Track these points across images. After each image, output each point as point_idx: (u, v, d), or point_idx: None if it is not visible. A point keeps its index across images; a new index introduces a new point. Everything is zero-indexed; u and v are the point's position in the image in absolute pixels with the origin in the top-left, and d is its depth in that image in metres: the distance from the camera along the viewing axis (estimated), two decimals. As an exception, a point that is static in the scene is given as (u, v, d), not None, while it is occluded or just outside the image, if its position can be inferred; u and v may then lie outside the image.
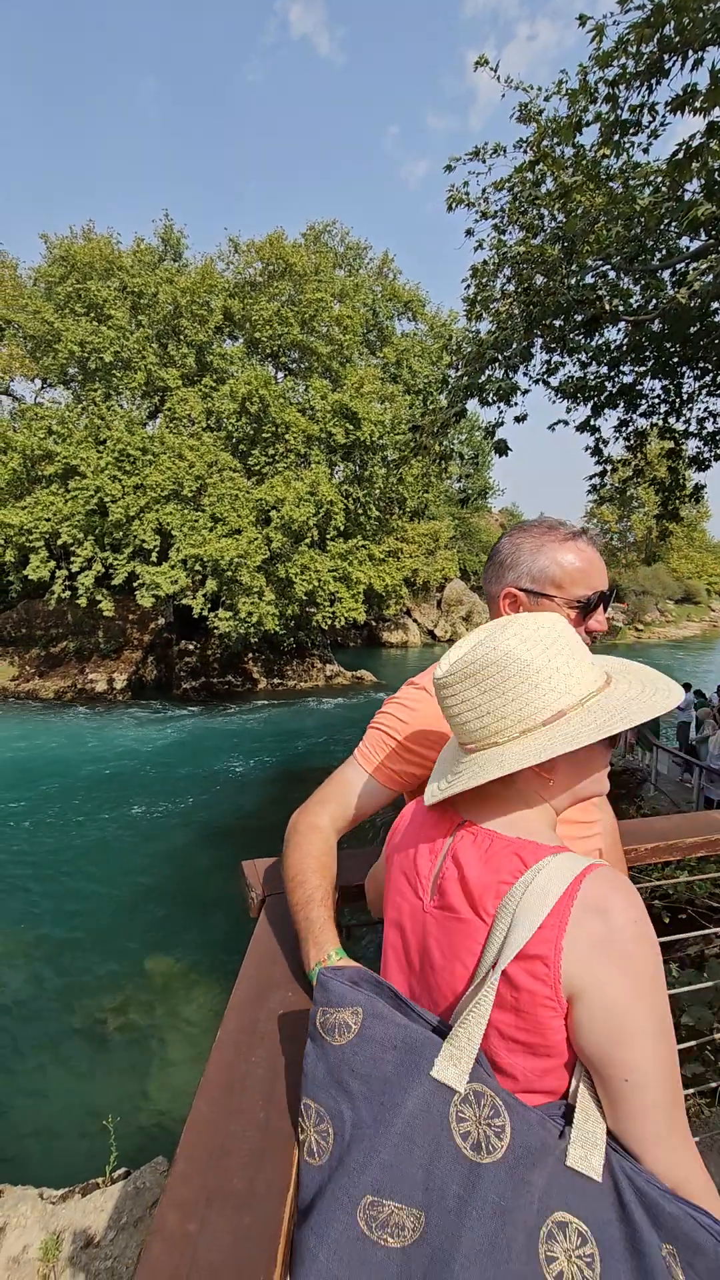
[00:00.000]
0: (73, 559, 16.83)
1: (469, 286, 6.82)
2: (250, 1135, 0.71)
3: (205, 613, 17.13)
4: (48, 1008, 5.74)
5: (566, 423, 8.03)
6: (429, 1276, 0.60)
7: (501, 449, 6.79)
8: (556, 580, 1.03)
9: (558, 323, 6.43)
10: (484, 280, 6.73)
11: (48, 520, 16.50)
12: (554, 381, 7.58)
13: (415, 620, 34.54)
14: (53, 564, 16.92)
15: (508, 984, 0.68)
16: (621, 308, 6.14)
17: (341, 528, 18.48)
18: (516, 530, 1.11)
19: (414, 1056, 0.68)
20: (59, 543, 16.79)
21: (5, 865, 8.19)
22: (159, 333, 18.77)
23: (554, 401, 7.90)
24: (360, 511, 19.54)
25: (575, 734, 0.77)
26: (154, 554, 16.73)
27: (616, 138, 4.90)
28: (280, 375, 21.03)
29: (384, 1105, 0.67)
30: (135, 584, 16.81)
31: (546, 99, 5.71)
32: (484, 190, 6.56)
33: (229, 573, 16.12)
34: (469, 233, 6.77)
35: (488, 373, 6.63)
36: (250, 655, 20.97)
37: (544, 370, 7.47)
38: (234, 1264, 0.57)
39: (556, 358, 7.32)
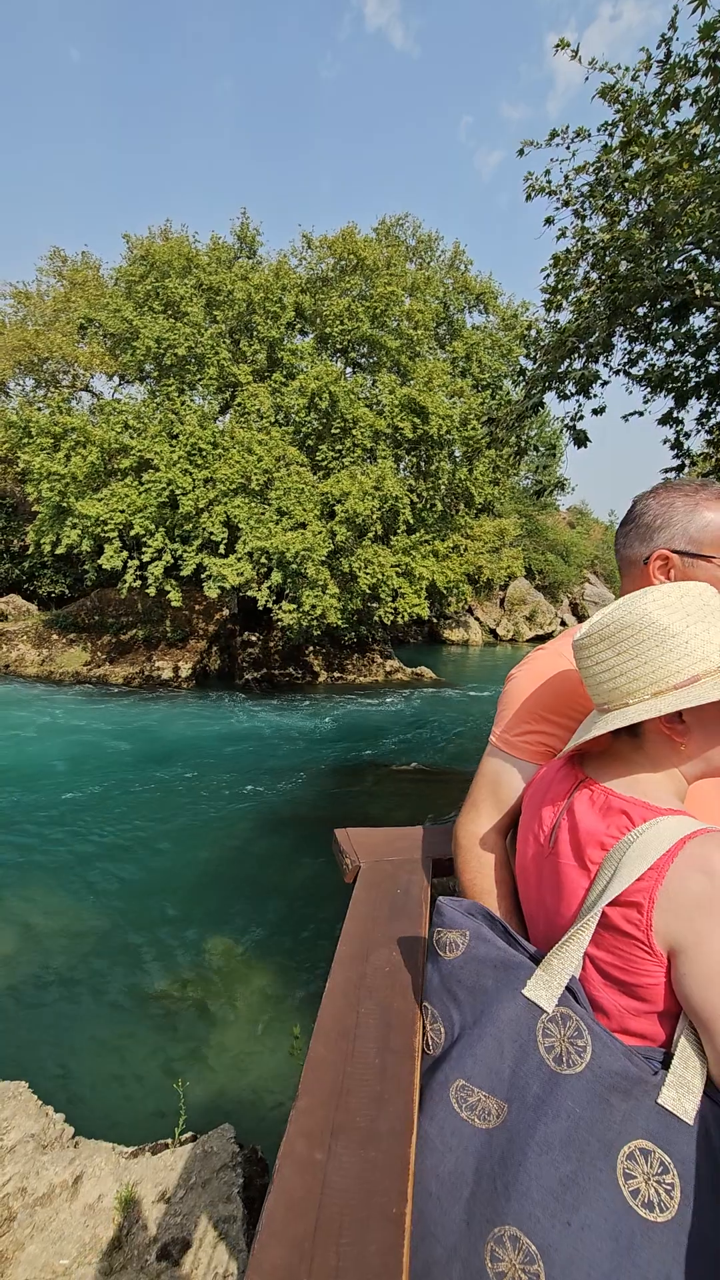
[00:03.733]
0: (144, 549, 17.39)
1: (548, 275, 6.67)
2: (368, 1079, 0.73)
3: (269, 605, 17.42)
4: (113, 977, 5.97)
5: (642, 414, 7.76)
6: (506, 1157, 0.70)
7: (581, 440, 6.62)
8: (717, 540, 0.99)
9: (642, 310, 6.22)
10: (565, 269, 6.57)
11: (122, 512, 17.11)
12: (635, 372, 7.33)
13: (477, 619, 34.16)
14: (125, 554, 17.53)
15: (606, 926, 0.76)
16: (712, 293, 5.88)
17: (410, 521, 18.46)
18: (663, 490, 1.07)
19: (509, 975, 0.80)
20: (131, 534, 17.38)
21: (78, 842, 8.56)
22: (232, 329, 19.17)
23: (629, 392, 7.65)
24: (424, 507, 19.45)
25: (704, 695, 0.77)
26: (221, 546, 17.11)
27: (717, 113, 4.68)
28: (349, 371, 21.13)
29: (482, 1013, 0.79)
30: (202, 575, 17.24)
31: (634, 77, 5.52)
32: (565, 176, 6.40)
33: (294, 566, 16.34)
34: (549, 221, 6.62)
35: (567, 363, 6.48)
36: (311, 648, 21.20)
37: (625, 360, 7.24)
38: (363, 1190, 0.59)
39: (639, 346, 7.08)
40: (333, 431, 18.25)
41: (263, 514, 17.06)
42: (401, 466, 19.78)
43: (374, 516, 17.32)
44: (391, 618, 18.75)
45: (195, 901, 7.27)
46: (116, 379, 23.10)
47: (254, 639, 21.03)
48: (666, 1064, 0.73)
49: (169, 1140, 2.87)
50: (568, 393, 6.65)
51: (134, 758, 12.09)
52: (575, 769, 0.92)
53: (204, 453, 17.22)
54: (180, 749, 12.76)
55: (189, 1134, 2.93)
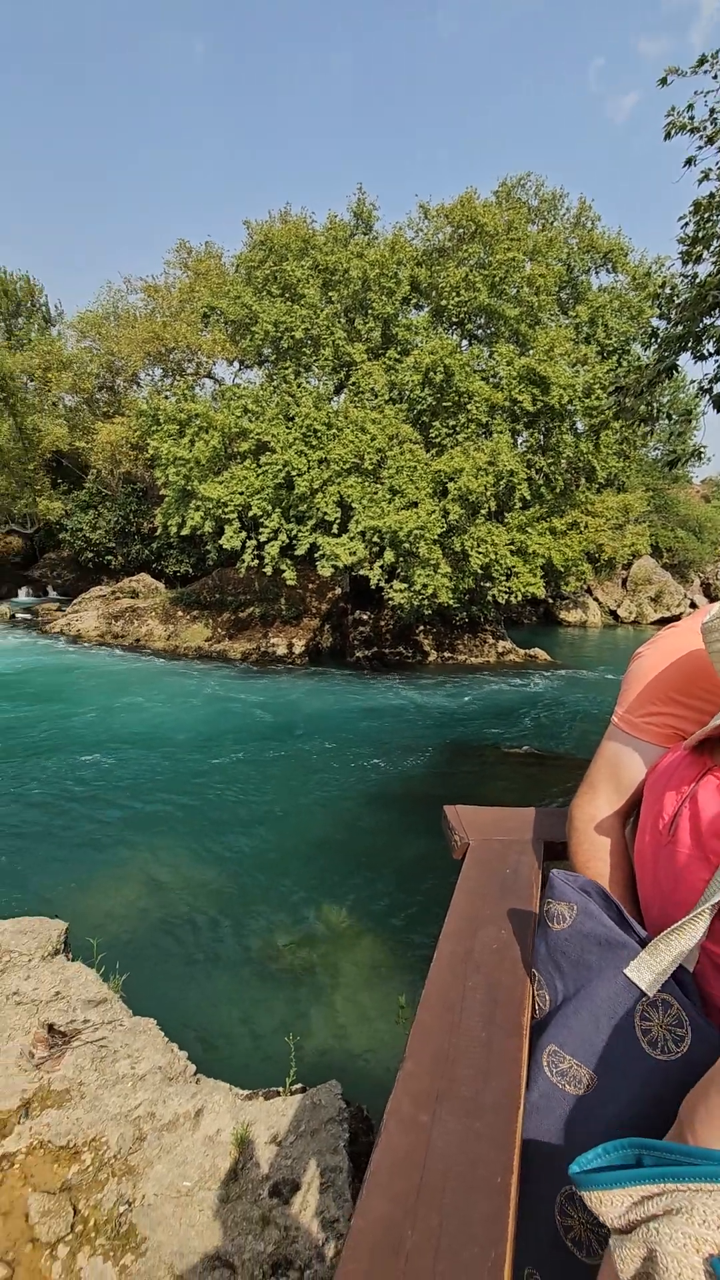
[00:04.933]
0: (261, 530, 18.02)
1: (687, 224, 6.13)
2: (474, 1051, 0.73)
3: (381, 584, 17.53)
4: (232, 931, 6.35)
5: None
6: (589, 1123, 0.71)
7: None
8: None
9: None
10: (706, 216, 6.01)
11: (241, 494, 17.79)
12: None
13: (597, 599, 32.57)
14: (244, 534, 18.26)
15: None
16: None
17: (527, 498, 17.87)
18: None
19: (613, 954, 0.79)
20: (250, 514, 18.05)
21: (203, 804, 9.12)
22: (347, 308, 19.22)
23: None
24: (542, 482, 18.71)
25: None
26: (334, 526, 17.38)
27: None
28: (465, 343, 20.60)
29: (582, 987, 0.80)
30: (316, 554, 17.62)
31: None
32: (711, 110, 5.82)
33: (406, 545, 16.31)
34: (689, 162, 6.06)
35: (707, 319, 5.95)
36: (422, 627, 21.16)
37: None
38: (467, 1157, 0.59)
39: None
40: (446, 407, 17.92)
41: (375, 493, 17.13)
42: (520, 441, 19.10)
43: (488, 493, 16.89)
44: (505, 597, 18.30)
45: (308, 868, 7.57)
46: (236, 364, 23.91)
47: (365, 618, 21.29)
48: None
49: (280, 1089, 3.04)
50: (706, 352, 6.10)
51: (253, 729, 12.69)
52: (703, 756, 0.87)
53: (318, 434, 17.49)
54: (295, 723, 13.23)
55: (298, 1085, 3.08)
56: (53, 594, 28.38)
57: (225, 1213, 2.35)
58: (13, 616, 23.32)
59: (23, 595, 28.17)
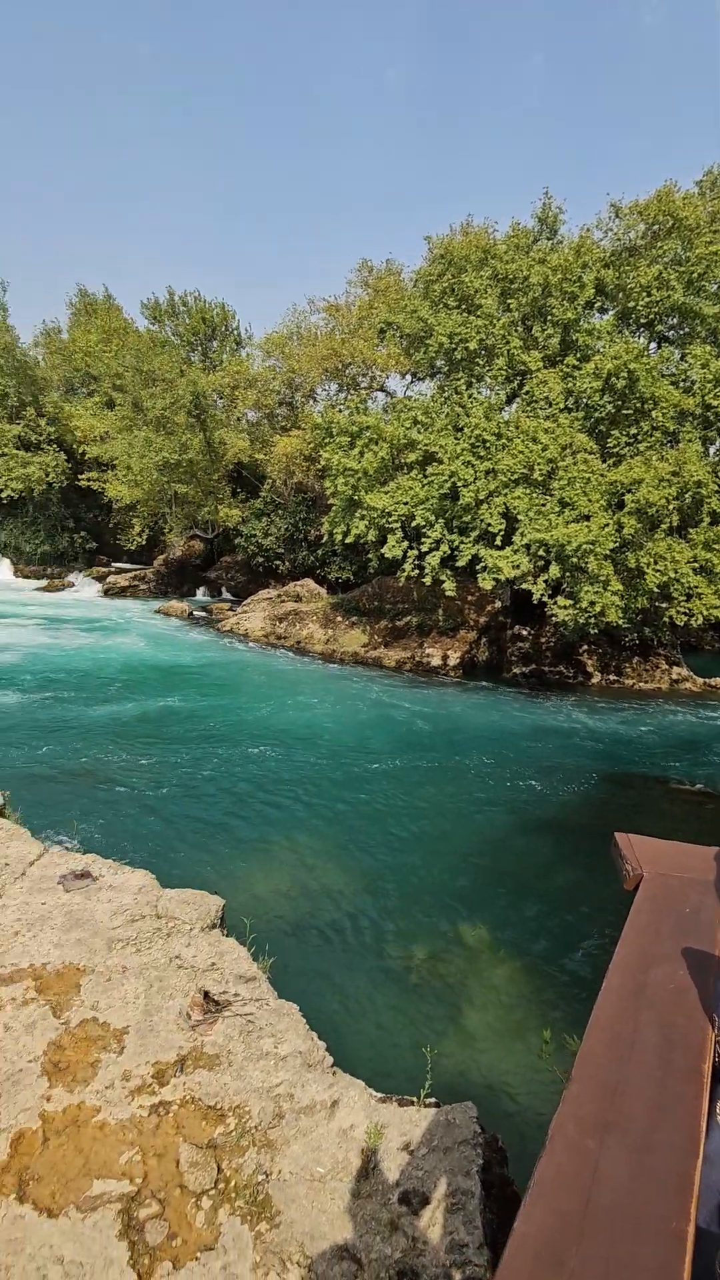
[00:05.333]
0: (423, 540, 18.17)
1: None
2: (646, 1089, 0.68)
3: (544, 599, 16.93)
4: (374, 933, 6.44)
5: None
6: None
7: None
8: None
9: None
10: None
11: (405, 504, 18.08)
12: None
13: (791, 627, 28.95)
14: (405, 544, 18.52)
15: None
16: None
17: (717, 511, 16.37)
18: None
19: None
20: (413, 524, 18.27)
21: (354, 804, 9.36)
22: (525, 315, 18.88)
23: None
24: (735, 495, 17.01)
25: None
26: (498, 538, 17.08)
27: None
28: (654, 346, 19.35)
29: None
30: (477, 566, 17.42)
31: None
32: None
33: (574, 559, 15.61)
34: None
35: None
36: (586, 647, 20.11)
37: None
38: (638, 1193, 0.56)
39: None
40: (627, 414, 16.92)
41: (544, 505, 16.59)
42: (712, 450, 17.55)
43: (670, 506, 15.68)
44: (684, 620, 16.85)
45: (453, 882, 7.48)
46: (409, 377, 24.39)
47: (525, 633, 20.66)
48: None
49: (413, 1099, 3.02)
50: None
51: (411, 738, 12.81)
52: None
53: (487, 444, 17.31)
54: (454, 736, 13.16)
55: (432, 1100, 3.05)
56: (225, 594, 30.73)
57: (355, 1208, 2.38)
58: (190, 613, 25.56)
59: (200, 594, 30.81)
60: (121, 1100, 2.80)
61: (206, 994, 3.37)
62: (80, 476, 31.69)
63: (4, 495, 29.94)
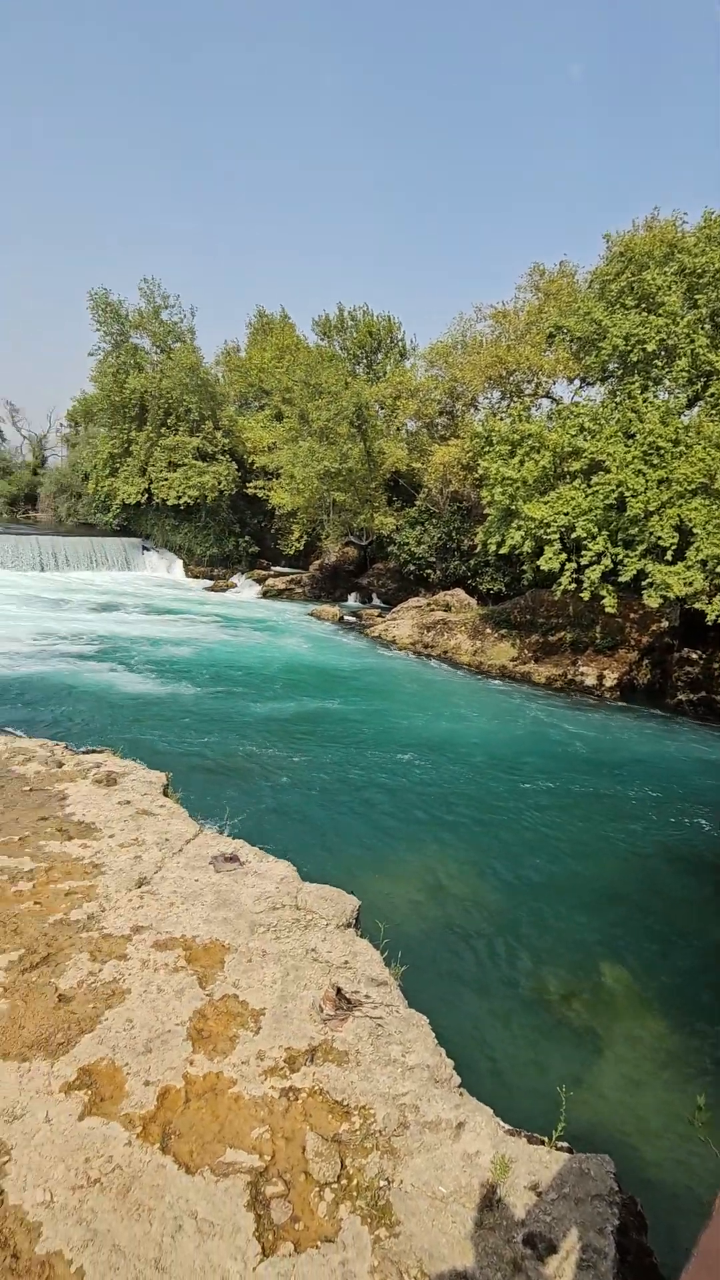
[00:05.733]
0: (583, 552, 17.34)
1: None
2: None
3: None
4: (508, 957, 6.23)
5: None
6: None
7: None
8: None
9: None
10: None
11: (565, 514, 17.37)
12: None
13: None
14: (563, 556, 17.78)
15: None
16: None
17: None
18: None
19: None
20: (573, 536, 17.50)
21: (499, 828, 9.12)
22: (714, 311, 17.41)
23: None
24: None
25: None
26: (669, 552, 15.87)
27: None
28: None
29: None
30: (643, 583, 16.31)
31: None
32: None
33: (756, 577, 14.12)
34: None
35: None
36: (764, 675, 18.07)
37: None
38: None
39: None
40: None
41: (723, 517, 15.17)
42: None
43: None
44: None
45: (598, 918, 7.04)
46: (577, 382, 23.43)
47: (695, 656, 18.99)
48: None
49: (544, 1139, 2.87)
50: None
51: (565, 760, 12.27)
52: None
53: (662, 451, 16.16)
54: (613, 761, 12.44)
55: (564, 1144, 2.88)
56: (375, 601, 31.38)
57: (477, 1238, 2.31)
58: (341, 618, 26.40)
59: (351, 599, 31.72)
60: (255, 1078, 2.94)
61: (339, 990, 3.45)
62: (248, 485, 33.99)
63: (181, 502, 32.83)
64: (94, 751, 6.92)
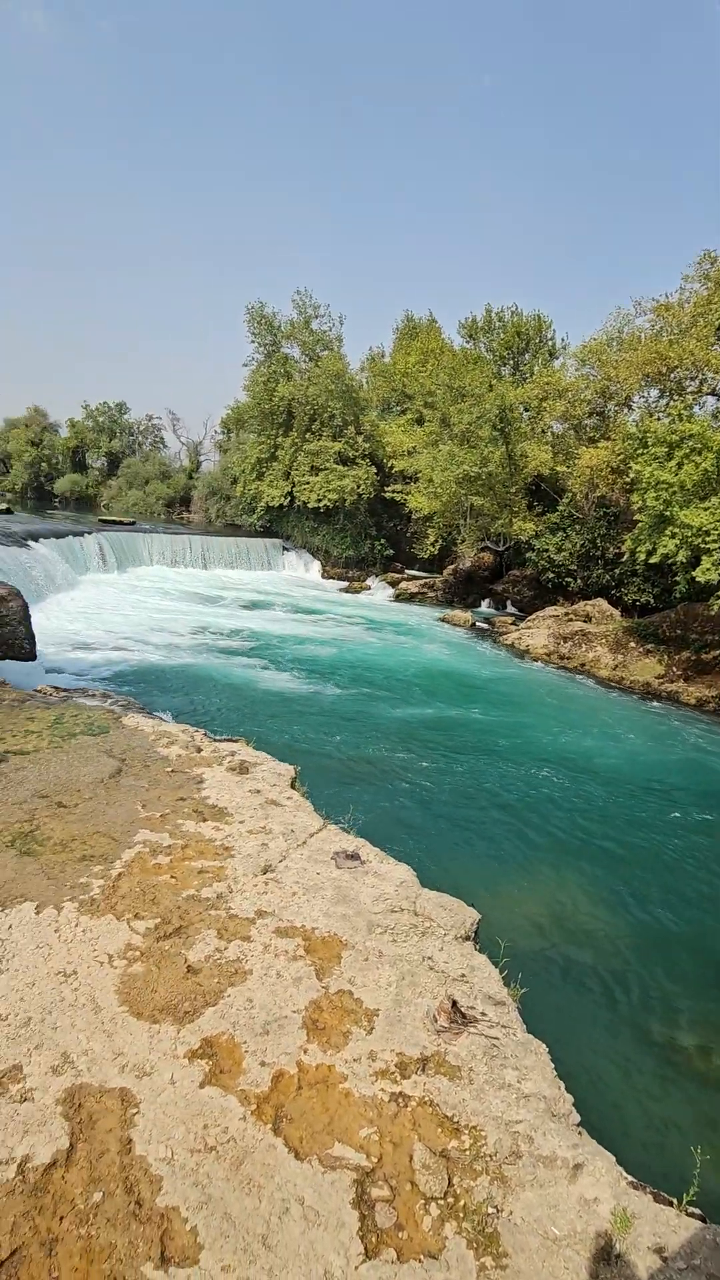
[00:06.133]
0: (748, 564, 15.83)
1: None
2: None
3: None
4: (634, 1000, 5.81)
5: None
6: None
7: None
8: None
9: None
10: None
11: (728, 522, 15.95)
12: None
13: None
14: (723, 568, 16.33)
15: None
16: None
17: None
18: None
19: None
20: (735, 546, 16.03)
21: (640, 860, 8.53)
22: None
23: None
24: None
25: None
26: None
27: None
28: None
29: None
30: None
31: None
32: None
33: None
34: None
35: None
36: None
37: None
38: None
39: None
40: None
41: None
42: None
43: None
44: None
45: (737, 965, 6.39)
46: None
47: None
48: None
49: (673, 1200, 2.64)
50: None
51: (716, 794, 11.25)
52: None
53: None
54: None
55: (696, 1210, 2.63)
56: (510, 608, 30.54)
57: (591, 1292, 2.16)
58: (473, 624, 25.93)
59: (484, 606, 31.10)
60: (365, 1077, 2.95)
61: (454, 1003, 3.38)
62: (386, 488, 34.43)
63: (321, 504, 33.91)
64: (230, 740, 7.32)
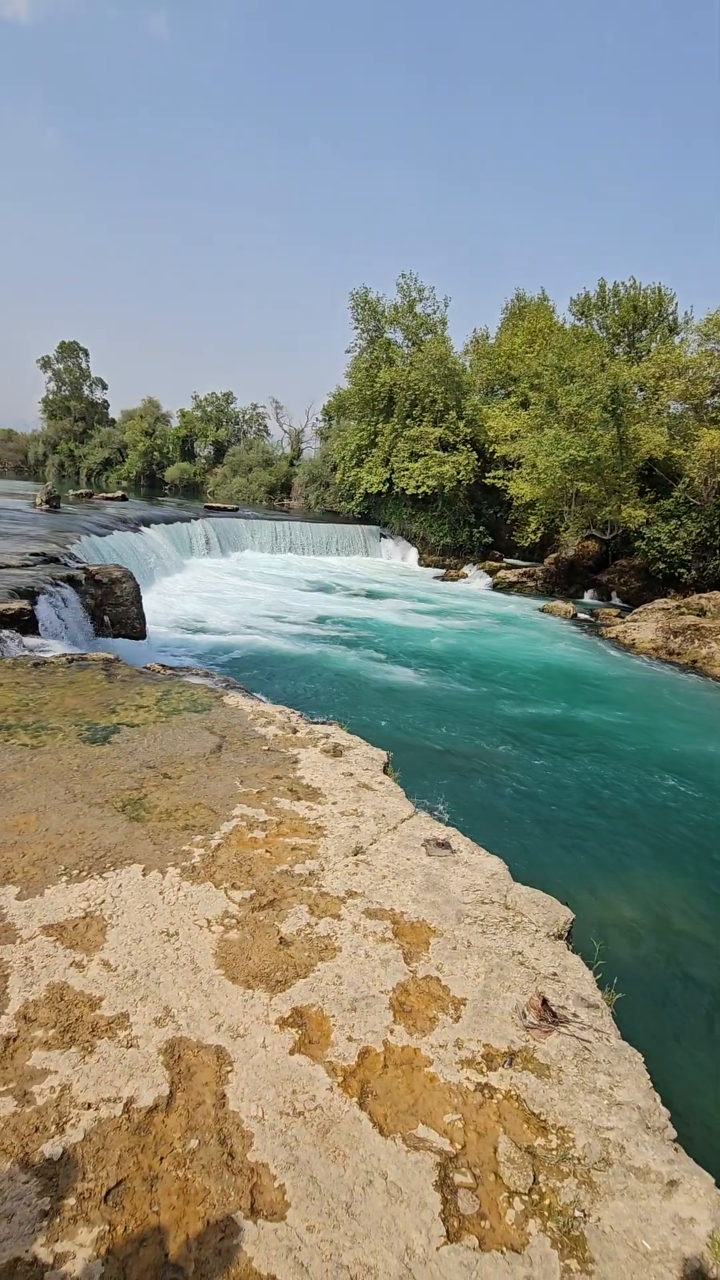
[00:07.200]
0: None
1: None
2: None
3: None
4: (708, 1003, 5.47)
5: None
6: None
7: None
8: None
9: None
10: None
11: None
12: None
13: None
14: None
15: None
16: None
17: None
18: None
19: None
20: None
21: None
22: None
23: None
24: None
25: None
26: None
27: None
28: None
29: None
30: None
31: None
32: None
33: None
34: None
35: None
36: None
37: None
38: None
39: None
40: None
41: None
42: None
43: None
44: None
45: None
46: None
47: None
48: None
49: (778, 1233, 2.47)
50: None
51: None
52: None
53: None
54: None
55: None
56: (615, 600, 29.17)
57: (684, 1314, 2.07)
58: (574, 615, 24.99)
59: (587, 597, 29.87)
60: (451, 1064, 2.95)
61: (545, 1001, 3.31)
62: (487, 474, 33.68)
63: (420, 491, 33.67)
64: (324, 723, 7.47)
